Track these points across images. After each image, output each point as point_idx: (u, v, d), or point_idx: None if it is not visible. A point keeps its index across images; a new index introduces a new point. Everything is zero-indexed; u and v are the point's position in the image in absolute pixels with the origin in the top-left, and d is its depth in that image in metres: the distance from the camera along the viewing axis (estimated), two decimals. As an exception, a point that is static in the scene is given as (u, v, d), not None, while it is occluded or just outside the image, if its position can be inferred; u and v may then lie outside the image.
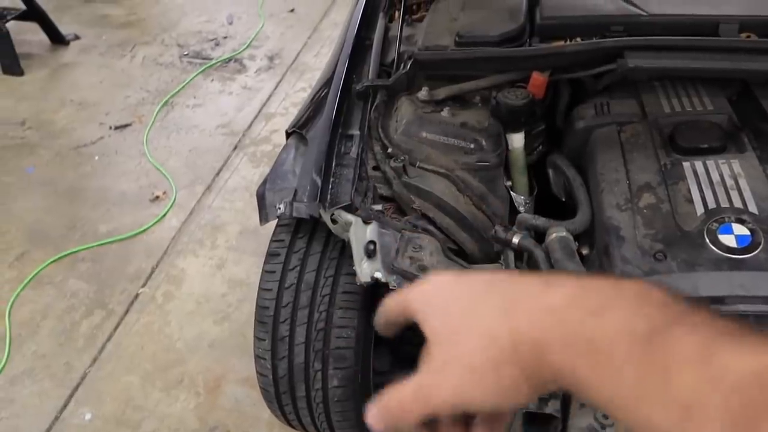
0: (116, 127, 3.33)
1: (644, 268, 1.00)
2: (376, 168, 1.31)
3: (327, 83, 1.46)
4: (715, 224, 1.01)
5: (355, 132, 1.33)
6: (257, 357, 1.45)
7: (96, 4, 4.56)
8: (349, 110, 1.40)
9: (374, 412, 0.47)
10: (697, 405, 0.32)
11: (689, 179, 1.10)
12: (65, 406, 2.04)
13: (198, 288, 2.40)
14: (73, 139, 3.28)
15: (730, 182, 1.07)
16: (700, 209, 1.04)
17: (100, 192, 2.93)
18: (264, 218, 1.36)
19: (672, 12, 1.37)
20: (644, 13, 1.36)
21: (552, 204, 1.44)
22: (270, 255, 1.44)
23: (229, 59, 3.82)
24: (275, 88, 3.53)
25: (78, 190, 2.95)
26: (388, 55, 1.49)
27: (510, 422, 0.52)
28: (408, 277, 1.10)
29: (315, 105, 1.48)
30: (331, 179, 1.24)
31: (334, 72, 1.44)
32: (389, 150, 1.30)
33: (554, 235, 1.09)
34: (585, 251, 1.28)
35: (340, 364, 1.38)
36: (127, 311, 2.34)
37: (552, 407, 0.91)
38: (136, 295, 2.40)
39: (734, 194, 1.05)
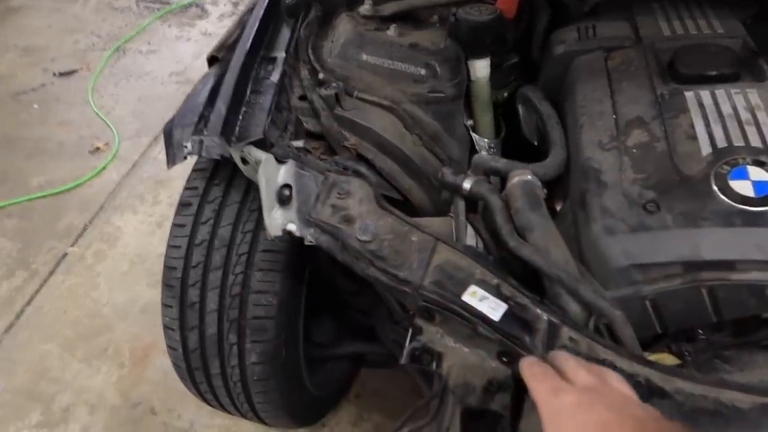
0: (61, 74, 3.03)
1: (630, 221, 0.76)
2: (303, 98, 1.05)
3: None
4: (725, 167, 0.77)
5: (280, 54, 1.07)
6: (165, 327, 1.21)
7: (50, -58, 4.18)
8: (277, 30, 1.13)
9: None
10: None
11: (692, 112, 0.86)
12: (-28, 376, 1.80)
13: (133, 247, 2.15)
14: (12, 85, 2.98)
15: (745, 116, 0.82)
16: (705, 148, 0.80)
17: (35, 142, 2.64)
18: (171, 160, 1.09)
19: None
20: None
21: (524, 152, 1.19)
22: (181, 206, 1.19)
23: (190, 4, 3.50)
24: (238, 35, 3.22)
25: (12, 139, 2.67)
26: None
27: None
28: (327, 230, 0.85)
29: (242, 26, 1.21)
30: (243, 109, 0.98)
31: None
32: (320, 75, 1.04)
33: (516, 179, 0.84)
34: (558, 206, 1.04)
35: (258, 337, 1.14)
36: (52, 272, 2.09)
37: (498, 403, 0.68)
38: (64, 255, 2.14)
39: (750, 130, 0.80)
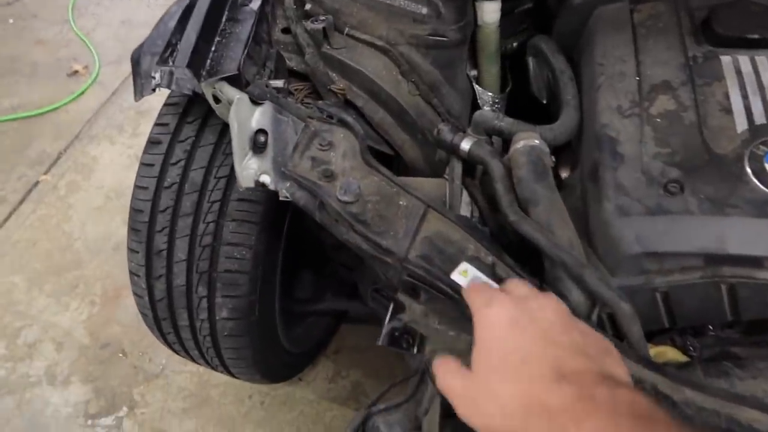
0: (40, -14, 2.82)
1: (649, 202, 0.67)
2: (286, 30, 0.93)
3: None
4: (762, 147, 0.67)
5: (265, -23, 0.93)
6: (131, 273, 1.12)
7: None
8: (265, -51, 0.99)
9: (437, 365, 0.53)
10: None
11: (728, 79, 0.75)
12: (-66, 305, 1.72)
13: (109, 180, 2.04)
14: (-12, -4, 2.78)
15: (791, 87, 0.72)
16: (741, 123, 0.70)
17: (9, 61, 2.49)
18: (138, 92, 0.97)
19: None
20: None
21: (532, 110, 1.08)
22: (150, 143, 1.09)
23: None
24: (232, -43, 3.01)
25: (-17, 55, 2.50)
26: None
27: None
28: (305, 186, 0.75)
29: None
30: (217, 39, 0.86)
31: None
32: (307, 6, 0.92)
33: (522, 143, 0.74)
34: (564, 173, 0.95)
35: (230, 292, 1.06)
36: (22, 200, 1.99)
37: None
38: (36, 183, 2.04)
39: (795, 105, 0.70)
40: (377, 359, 1.60)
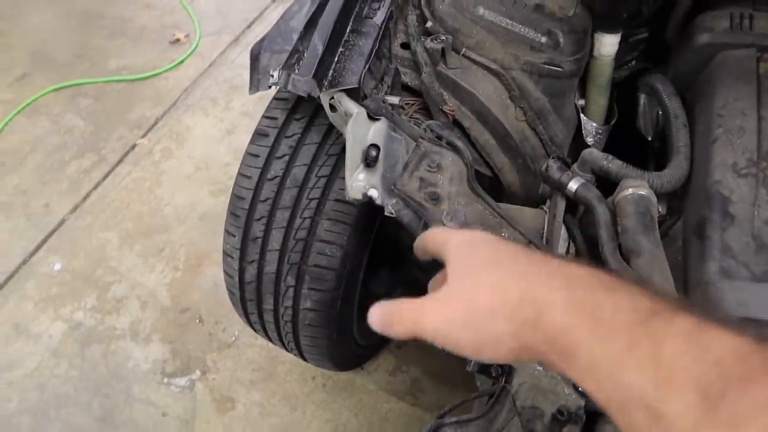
0: (151, -49, 2.94)
1: (756, 269, 0.67)
2: (405, 46, 0.96)
3: None
4: None
5: (389, -9, 0.96)
6: (224, 253, 1.20)
7: None
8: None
9: (376, 311, 0.51)
10: (678, 373, 0.34)
11: None
12: (36, 250, 1.87)
13: (200, 151, 2.14)
14: (101, -45, 2.92)
15: None
16: None
17: (117, 22, 2.62)
18: (254, 86, 1.03)
19: None
20: None
21: (632, 144, 1.07)
22: (257, 134, 1.14)
23: None
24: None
25: (94, 15, 2.65)
26: None
27: None
28: (411, 206, 0.79)
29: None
30: (340, 49, 0.90)
31: None
32: (428, 24, 0.94)
33: (631, 191, 0.75)
34: (662, 210, 0.94)
35: (317, 285, 1.11)
36: (120, 161, 2.11)
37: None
38: (133, 146, 2.16)
39: None
40: (438, 359, 1.64)
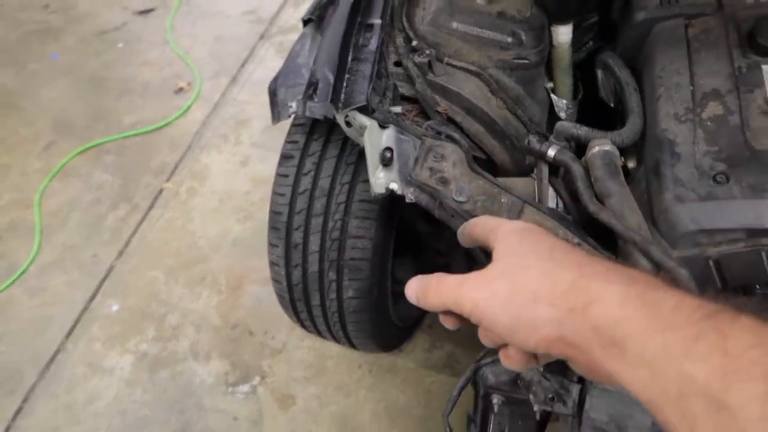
0: (140, 12, 3.17)
1: (700, 191, 0.86)
2: (397, 63, 1.16)
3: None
4: (793, 143, 0.84)
5: (376, 21, 1.16)
6: (271, 263, 1.39)
7: None
8: (370, -4, 1.22)
9: (413, 282, 0.54)
10: (746, 365, 0.33)
11: (767, 86, 0.92)
12: (93, 296, 2.07)
13: (221, 185, 2.35)
14: (96, 24, 3.15)
15: (819, 92, 0.88)
16: (776, 124, 0.87)
17: (123, 81, 2.83)
18: (276, 117, 1.23)
19: None
20: None
21: (597, 111, 1.27)
22: (283, 157, 1.34)
23: (258, -63, 3.51)
24: (306, -29, 3.26)
25: (102, 78, 2.86)
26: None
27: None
28: (426, 191, 0.98)
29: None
30: (346, 75, 1.10)
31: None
32: (414, 43, 1.14)
33: (597, 148, 0.94)
34: (631, 164, 1.13)
35: (355, 275, 1.31)
36: (151, 206, 2.31)
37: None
38: (160, 190, 2.36)
39: (822, 107, 0.87)
40: (468, 331, 1.82)
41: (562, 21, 1.16)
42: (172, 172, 2.42)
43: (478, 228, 0.57)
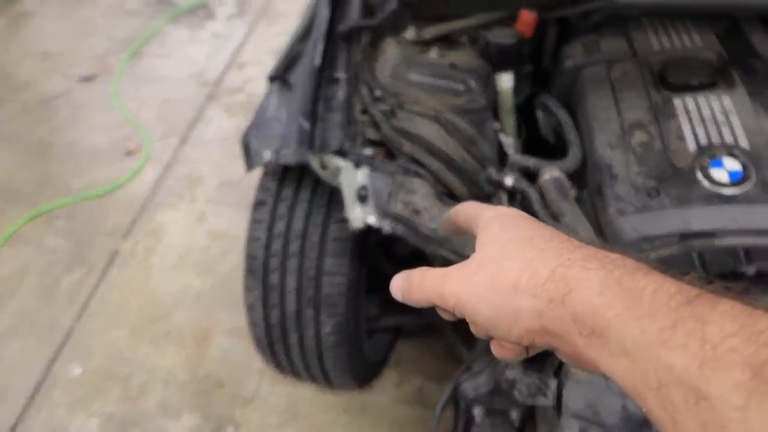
0: (83, 79, 3.21)
1: (638, 204, 1.01)
2: (363, 112, 1.28)
3: (309, 25, 1.40)
4: (707, 159, 1.01)
5: (341, 75, 1.29)
6: (249, 307, 1.44)
7: (51, -51, 4.30)
8: (332, 53, 1.35)
9: (397, 279, 0.52)
10: (726, 353, 0.32)
11: (680, 116, 1.10)
12: (53, 361, 2.02)
13: (179, 241, 2.37)
14: (38, 92, 3.15)
15: (721, 118, 1.07)
16: (692, 145, 1.04)
17: (70, 146, 2.84)
18: (250, 166, 1.33)
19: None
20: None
21: (539, 147, 1.43)
22: (257, 204, 1.42)
23: (197, 5, 3.66)
24: (247, 35, 3.41)
25: (47, 145, 2.86)
26: (371, -5, 1.43)
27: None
28: (402, 222, 1.09)
29: (297, 48, 1.43)
30: (319, 124, 1.21)
31: (315, 13, 1.38)
32: (377, 93, 1.27)
33: (547, 175, 1.09)
34: (573, 192, 1.29)
35: (332, 311, 1.38)
36: (108, 267, 2.31)
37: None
38: (116, 251, 2.36)
39: (725, 130, 1.05)
40: (434, 365, 1.91)
41: (504, 69, 1.33)
42: (127, 232, 2.43)
43: (462, 215, 0.55)
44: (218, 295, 2.16)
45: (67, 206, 2.56)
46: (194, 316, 2.12)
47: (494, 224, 0.50)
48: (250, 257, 1.41)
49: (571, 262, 0.42)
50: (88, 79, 3.21)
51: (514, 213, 0.52)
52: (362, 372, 1.62)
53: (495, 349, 0.51)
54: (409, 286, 0.51)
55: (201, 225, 2.43)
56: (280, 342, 1.46)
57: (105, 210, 2.54)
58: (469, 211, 0.55)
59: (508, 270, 0.44)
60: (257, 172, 1.44)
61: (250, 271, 1.41)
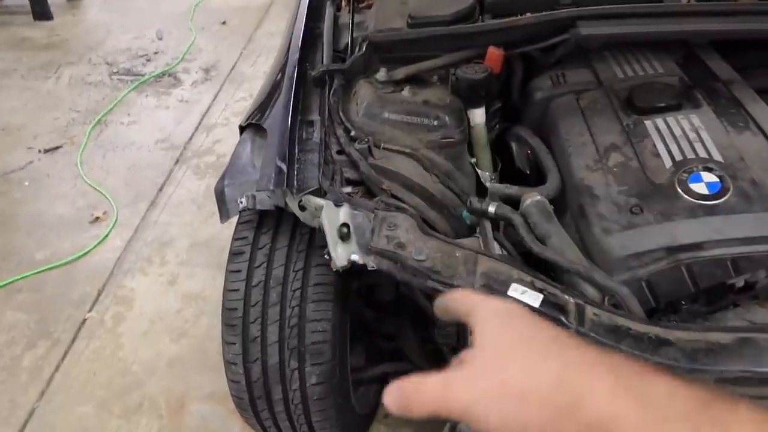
0: (46, 150, 3.15)
1: (622, 222, 1.00)
2: (340, 152, 1.27)
3: (279, 72, 1.41)
4: (684, 174, 1.03)
5: (315, 117, 1.29)
6: (227, 363, 1.37)
7: (13, 28, 4.33)
8: (305, 97, 1.36)
9: (393, 393, 0.47)
10: None
11: (653, 136, 1.12)
12: (13, 445, 1.88)
13: (150, 307, 2.28)
14: (-1, 166, 3.08)
15: (692, 135, 1.09)
16: (668, 162, 1.06)
17: (33, 218, 2.75)
18: (225, 215, 1.29)
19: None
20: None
21: (515, 179, 1.44)
22: (233, 255, 1.37)
23: (163, 74, 3.69)
24: (214, 100, 3.44)
25: (8, 217, 2.77)
26: (340, 41, 1.46)
27: None
28: (387, 257, 1.06)
29: (268, 95, 1.43)
30: (296, 165, 1.20)
31: (286, 60, 1.40)
32: (352, 133, 1.27)
33: (530, 200, 1.08)
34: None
35: (317, 360, 1.32)
36: (74, 338, 2.19)
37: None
38: (83, 321, 2.25)
39: (698, 145, 1.07)
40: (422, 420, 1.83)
41: (476, 105, 1.34)
42: (95, 301, 2.33)
43: (458, 303, 0.53)
44: (193, 359, 2.06)
45: (29, 279, 2.45)
46: (168, 384, 2.01)
47: (493, 321, 0.48)
48: (227, 310, 1.35)
49: (575, 365, 0.42)
50: (52, 150, 3.16)
51: (512, 308, 0.50)
52: (350, 426, 1.54)
53: None
54: (407, 401, 0.47)
55: (173, 288, 2.35)
56: (263, 399, 1.38)
57: (71, 280, 2.43)
58: (466, 300, 0.53)
59: (510, 378, 0.43)
60: (230, 229, 1.40)
61: (228, 324, 1.35)
